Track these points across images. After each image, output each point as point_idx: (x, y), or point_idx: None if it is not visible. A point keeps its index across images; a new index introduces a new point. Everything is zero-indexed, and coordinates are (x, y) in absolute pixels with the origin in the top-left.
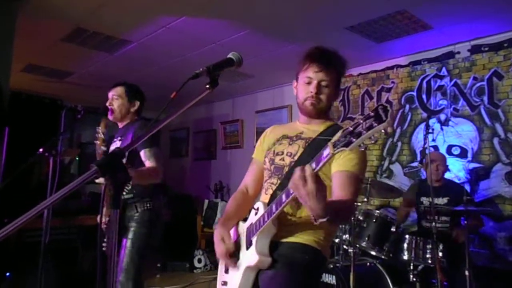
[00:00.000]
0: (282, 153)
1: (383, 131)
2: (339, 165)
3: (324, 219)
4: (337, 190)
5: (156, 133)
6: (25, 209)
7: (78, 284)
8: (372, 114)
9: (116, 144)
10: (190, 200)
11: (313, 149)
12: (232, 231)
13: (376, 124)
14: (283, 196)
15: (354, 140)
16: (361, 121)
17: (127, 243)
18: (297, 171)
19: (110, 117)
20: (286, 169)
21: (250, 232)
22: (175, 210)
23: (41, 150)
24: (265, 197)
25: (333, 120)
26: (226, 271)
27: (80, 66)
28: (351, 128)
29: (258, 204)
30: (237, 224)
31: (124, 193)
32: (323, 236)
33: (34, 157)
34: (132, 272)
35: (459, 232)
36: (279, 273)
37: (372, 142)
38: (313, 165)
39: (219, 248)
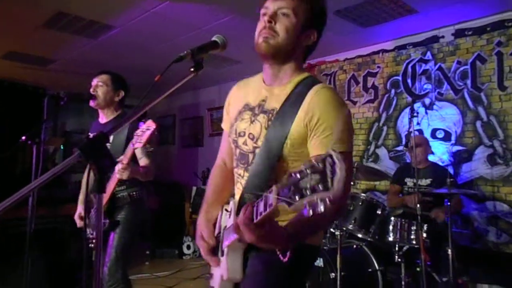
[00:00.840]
0: (244, 133)
1: (327, 202)
2: (315, 148)
3: (288, 255)
4: None
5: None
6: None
7: (66, 273)
8: (320, 167)
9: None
10: (178, 188)
11: (277, 129)
12: (217, 221)
13: (320, 188)
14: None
15: (296, 200)
16: (307, 172)
17: (117, 230)
18: (240, 216)
19: (92, 103)
20: (250, 157)
21: (224, 238)
22: (163, 198)
23: (23, 138)
24: (236, 191)
25: (303, 72)
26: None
27: (63, 53)
28: (297, 177)
29: (231, 205)
30: (222, 210)
31: (117, 185)
32: None
33: (16, 145)
34: (121, 260)
35: (438, 211)
36: (256, 272)
37: (319, 211)
38: (261, 208)
39: (199, 246)
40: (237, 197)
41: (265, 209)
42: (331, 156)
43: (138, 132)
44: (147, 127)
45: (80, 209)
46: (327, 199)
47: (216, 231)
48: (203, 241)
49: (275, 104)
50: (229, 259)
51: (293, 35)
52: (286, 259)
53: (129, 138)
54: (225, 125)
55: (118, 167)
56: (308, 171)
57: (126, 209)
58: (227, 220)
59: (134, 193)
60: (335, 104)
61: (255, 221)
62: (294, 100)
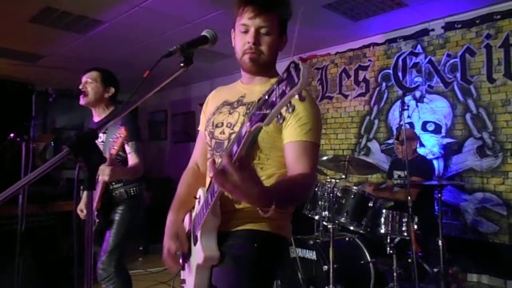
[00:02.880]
0: (222, 124)
1: (297, 96)
2: (290, 135)
3: (270, 208)
4: (292, 165)
5: (137, 125)
6: None
7: (57, 270)
8: (284, 76)
9: (100, 138)
10: (170, 183)
11: None
12: (186, 220)
13: (288, 89)
14: (215, 185)
15: (268, 112)
16: (275, 86)
17: (113, 226)
18: (214, 173)
19: (82, 101)
20: (226, 143)
21: (195, 226)
22: (156, 193)
23: (12, 135)
24: (208, 180)
25: (278, 75)
26: (183, 268)
27: (52, 48)
28: (266, 97)
29: (199, 192)
30: (190, 211)
31: (113, 183)
32: (275, 215)
33: (4, 142)
34: (116, 254)
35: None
36: (225, 270)
37: (290, 111)
38: (234, 148)
39: (171, 244)
40: (207, 183)
41: (239, 142)
42: (293, 61)
43: (114, 137)
44: (120, 134)
45: (82, 203)
46: (296, 92)
47: (186, 229)
48: (174, 243)
49: (254, 98)
50: (203, 239)
51: (274, 49)
52: (267, 215)
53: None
54: (201, 127)
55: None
56: (274, 85)
57: (123, 206)
58: (197, 208)
59: (132, 189)
60: (310, 100)
61: (235, 154)
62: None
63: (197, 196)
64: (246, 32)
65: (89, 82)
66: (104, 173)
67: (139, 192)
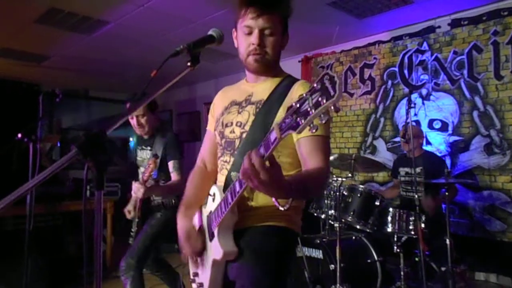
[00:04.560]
0: (231, 123)
1: (332, 108)
2: None
3: (288, 204)
4: (307, 159)
5: (180, 143)
6: (5, 196)
7: (65, 270)
8: (317, 86)
9: (146, 153)
10: None
11: (264, 114)
12: (196, 217)
13: (324, 101)
14: (237, 185)
15: (301, 122)
16: (307, 96)
17: (147, 227)
18: (245, 161)
19: (144, 135)
20: (237, 142)
21: (210, 222)
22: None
23: (19, 135)
24: (220, 177)
25: (283, 73)
26: (199, 255)
27: (57, 49)
28: (297, 105)
29: (214, 190)
30: (200, 208)
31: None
32: (291, 211)
33: (12, 143)
34: (142, 255)
35: (428, 201)
36: (246, 265)
37: (323, 122)
38: (262, 150)
39: (186, 247)
40: (221, 180)
41: (267, 148)
42: (327, 73)
43: (146, 165)
44: (149, 164)
45: (130, 206)
46: (331, 104)
47: (197, 226)
48: (188, 244)
49: (262, 96)
50: (221, 236)
51: (279, 49)
52: (284, 208)
53: (165, 149)
54: (209, 126)
55: (134, 185)
56: (307, 95)
57: (160, 214)
58: (210, 205)
59: (172, 201)
60: None
61: (265, 156)
62: (280, 92)
63: (211, 193)
64: (249, 33)
65: (141, 116)
66: (138, 192)
67: (176, 204)
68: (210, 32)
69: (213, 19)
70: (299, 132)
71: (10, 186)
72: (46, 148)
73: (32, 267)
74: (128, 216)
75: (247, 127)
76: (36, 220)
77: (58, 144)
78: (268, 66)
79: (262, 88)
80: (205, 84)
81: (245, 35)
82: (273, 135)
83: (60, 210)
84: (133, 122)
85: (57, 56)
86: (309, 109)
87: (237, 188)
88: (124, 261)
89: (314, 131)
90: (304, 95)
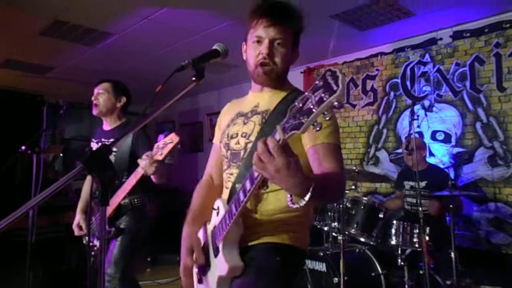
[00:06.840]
0: (237, 135)
1: (336, 103)
2: (312, 139)
3: (306, 197)
4: (321, 164)
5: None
6: (9, 208)
7: (67, 281)
8: (320, 83)
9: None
10: (177, 194)
11: (271, 125)
12: (201, 232)
13: (326, 97)
14: (241, 195)
15: (304, 120)
16: (310, 94)
17: (119, 236)
18: (259, 145)
19: (94, 112)
20: (242, 153)
21: (215, 237)
22: (163, 204)
23: (23, 147)
24: (225, 190)
25: (291, 85)
26: (200, 281)
27: (61, 61)
28: (300, 105)
29: (218, 203)
30: (205, 223)
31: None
32: (296, 227)
33: (16, 155)
34: (121, 265)
35: (433, 203)
36: (248, 281)
37: (327, 118)
38: (277, 136)
39: (188, 260)
40: (226, 193)
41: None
42: (329, 69)
43: (160, 144)
44: (170, 140)
45: (78, 218)
46: (335, 99)
47: (202, 243)
48: (190, 257)
49: (268, 106)
50: (226, 250)
51: (288, 62)
52: (297, 206)
53: (134, 144)
54: (215, 139)
55: (144, 160)
56: (310, 93)
57: (128, 216)
58: (215, 219)
59: (136, 200)
60: None
61: (280, 141)
62: (288, 101)
63: (215, 207)
64: (259, 42)
65: (101, 93)
66: (149, 168)
67: (141, 203)
68: (214, 47)
69: (216, 31)
70: (303, 132)
71: (14, 198)
72: (49, 158)
73: (33, 279)
74: (78, 233)
75: (252, 138)
76: (39, 232)
77: (61, 155)
78: (276, 79)
79: (269, 98)
80: (208, 95)
81: (255, 44)
82: (277, 136)
83: (62, 221)
84: (93, 97)
85: (61, 67)
86: (312, 106)
87: (242, 198)
88: (107, 280)
89: (318, 128)
90: (307, 93)
